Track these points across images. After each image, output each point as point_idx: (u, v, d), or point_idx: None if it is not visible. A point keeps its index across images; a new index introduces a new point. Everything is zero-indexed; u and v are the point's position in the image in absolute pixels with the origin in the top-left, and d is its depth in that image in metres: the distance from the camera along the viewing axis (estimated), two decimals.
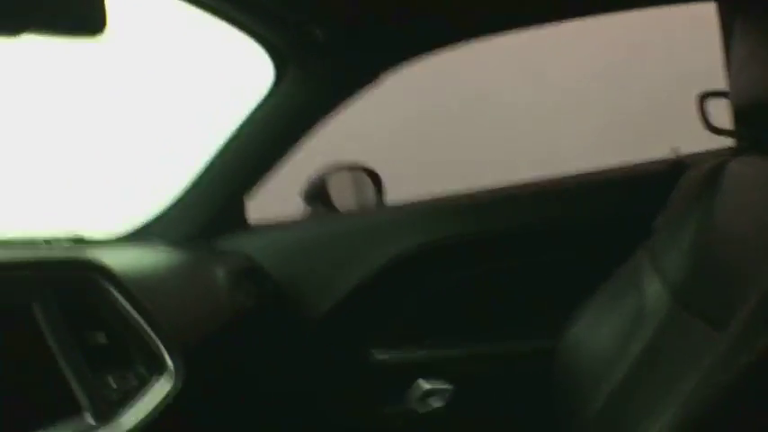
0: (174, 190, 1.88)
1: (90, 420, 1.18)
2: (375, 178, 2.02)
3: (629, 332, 1.27)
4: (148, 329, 1.34)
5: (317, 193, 1.97)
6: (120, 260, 1.41)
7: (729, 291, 1.01)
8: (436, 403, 1.80)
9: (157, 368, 1.34)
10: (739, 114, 1.26)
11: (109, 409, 1.21)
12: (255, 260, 1.84)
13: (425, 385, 1.80)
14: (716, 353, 0.92)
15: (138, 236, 1.86)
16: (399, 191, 2.03)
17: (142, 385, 1.30)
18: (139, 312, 1.34)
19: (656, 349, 1.18)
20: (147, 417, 1.24)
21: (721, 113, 1.32)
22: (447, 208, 1.92)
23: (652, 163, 1.79)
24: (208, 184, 1.88)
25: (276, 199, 1.94)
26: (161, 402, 1.28)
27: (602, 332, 1.38)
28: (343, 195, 1.98)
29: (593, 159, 1.87)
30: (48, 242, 1.63)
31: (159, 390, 1.30)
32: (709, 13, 1.60)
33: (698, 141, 1.53)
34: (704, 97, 1.37)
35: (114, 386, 1.25)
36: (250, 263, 1.82)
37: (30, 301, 1.20)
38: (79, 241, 1.70)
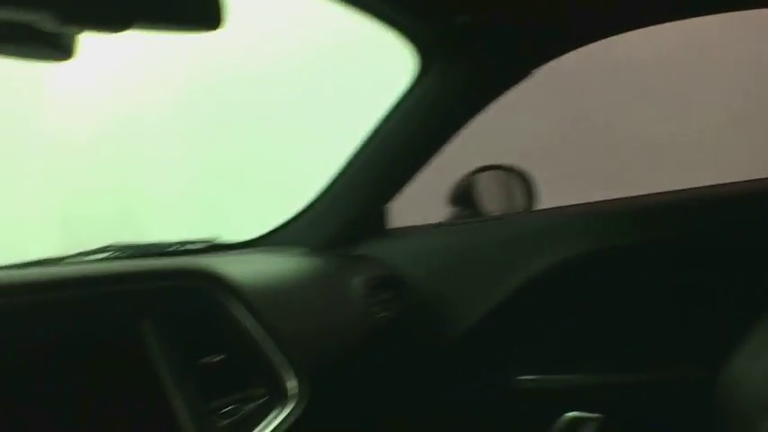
0: (312, 192, 1.78)
1: None
2: (526, 181, 1.85)
3: None
4: (270, 348, 1.22)
5: (464, 196, 1.83)
6: (246, 268, 1.32)
7: None
8: None
9: (278, 392, 1.22)
10: None
11: None
12: (395, 268, 1.72)
13: (573, 414, 1.62)
14: None
15: (272, 240, 1.77)
16: (551, 195, 1.86)
17: (259, 412, 1.18)
18: (262, 329, 1.23)
19: None
20: None
21: None
22: (606, 215, 1.73)
23: None
24: (347, 188, 1.76)
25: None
26: None
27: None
28: (491, 199, 1.83)
29: None
30: (178, 245, 1.57)
31: (277, 418, 1.18)
32: None
33: None
34: None
35: (227, 412, 1.14)
36: (389, 271, 1.70)
37: (138, 319, 1.11)
38: (210, 245, 1.64)
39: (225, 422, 1.13)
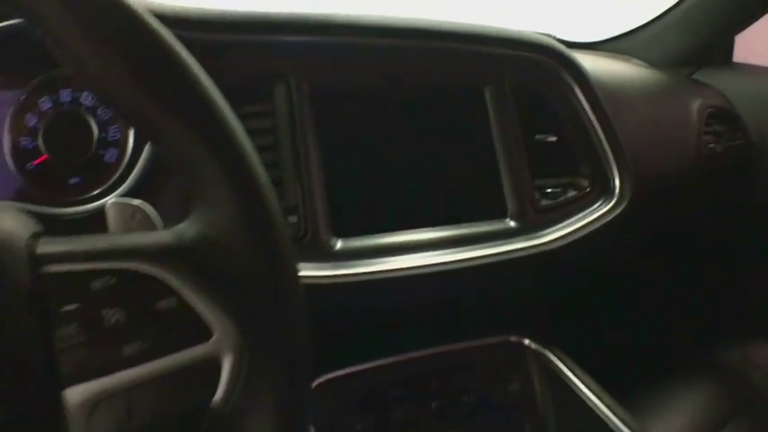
0: (662, 5, 1.65)
1: (513, 224, 1.12)
2: None
3: None
4: (604, 141, 1.20)
5: None
6: (588, 63, 1.26)
7: None
8: None
9: (602, 187, 1.21)
10: None
11: (536, 218, 1.14)
12: (733, 104, 1.58)
13: None
14: None
15: (611, 47, 1.69)
16: None
17: (580, 201, 1.19)
18: (599, 120, 1.19)
19: None
20: (573, 236, 1.15)
21: None
22: None
23: None
24: (698, 8, 1.61)
25: None
26: (593, 224, 1.17)
27: None
28: None
29: None
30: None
31: (597, 211, 1.18)
32: None
33: None
34: None
35: (550, 193, 1.16)
36: (728, 105, 1.57)
37: (484, 82, 1.13)
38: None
39: (547, 202, 1.14)
